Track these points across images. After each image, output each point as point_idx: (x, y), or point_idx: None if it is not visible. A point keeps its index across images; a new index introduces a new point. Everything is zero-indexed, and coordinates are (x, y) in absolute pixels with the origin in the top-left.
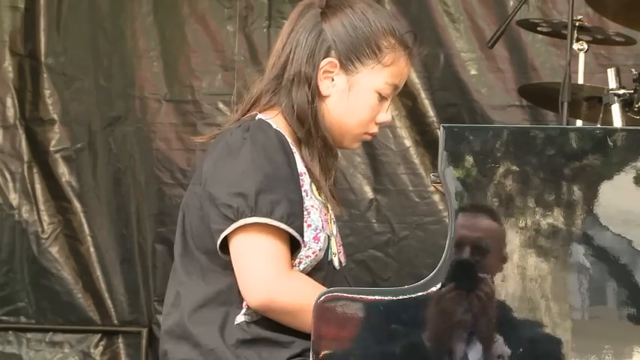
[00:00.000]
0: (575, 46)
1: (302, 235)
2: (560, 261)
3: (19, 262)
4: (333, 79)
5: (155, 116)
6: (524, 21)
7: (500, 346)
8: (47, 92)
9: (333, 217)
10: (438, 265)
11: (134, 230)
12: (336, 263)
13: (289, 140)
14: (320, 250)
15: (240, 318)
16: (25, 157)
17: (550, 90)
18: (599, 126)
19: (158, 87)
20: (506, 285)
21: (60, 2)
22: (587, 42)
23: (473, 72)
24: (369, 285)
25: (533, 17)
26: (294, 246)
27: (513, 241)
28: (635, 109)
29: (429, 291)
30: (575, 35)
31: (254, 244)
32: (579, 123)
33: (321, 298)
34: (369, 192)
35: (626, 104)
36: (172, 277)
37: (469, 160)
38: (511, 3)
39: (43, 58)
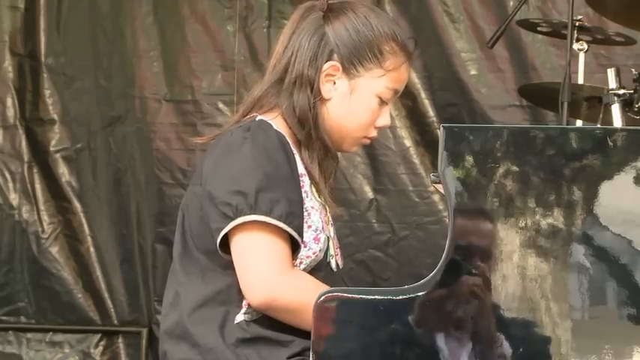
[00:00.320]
0: (575, 46)
1: (301, 235)
2: (560, 261)
3: (19, 262)
4: (334, 83)
5: (155, 116)
6: (524, 21)
7: (501, 346)
8: (47, 92)
9: (330, 219)
10: (438, 265)
11: (134, 230)
12: (333, 265)
13: (289, 142)
14: (320, 250)
15: (240, 317)
16: (25, 157)
17: (550, 90)
18: (599, 126)
19: (158, 87)
20: (506, 285)
21: (60, 2)
22: (587, 42)
23: (473, 72)
24: (369, 285)
25: (533, 17)
26: (294, 246)
27: (513, 241)
28: (635, 109)
29: (429, 291)
30: (575, 35)
31: (255, 243)
32: (579, 123)
33: (321, 298)
34: (369, 192)
35: (626, 104)
36: (171, 278)
37: (469, 160)
38: (511, 3)
39: (43, 58)
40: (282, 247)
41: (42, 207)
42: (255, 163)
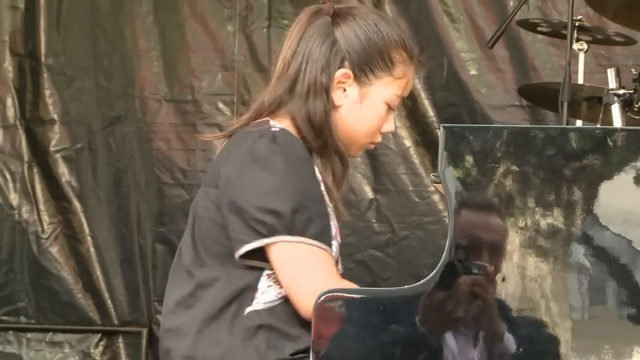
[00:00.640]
0: (575, 46)
1: (331, 247)
2: (560, 261)
3: (19, 262)
4: (345, 90)
5: (155, 116)
6: (524, 21)
7: (500, 346)
8: (47, 92)
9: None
10: (438, 265)
11: (134, 230)
12: (340, 270)
13: None
14: (333, 257)
15: (249, 309)
16: (25, 157)
17: (550, 90)
18: (599, 126)
19: (158, 87)
20: (506, 285)
21: (60, 2)
22: (587, 42)
23: (473, 72)
24: (369, 285)
25: (533, 17)
26: None
27: (513, 241)
28: (635, 109)
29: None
30: (575, 35)
31: (302, 258)
32: (579, 123)
33: (321, 298)
34: (369, 192)
35: (626, 104)
36: (176, 277)
37: (469, 160)
38: (511, 3)
39: (43, 58)
40: (325, 259)
41: (42, 207)
42: (289, 180)
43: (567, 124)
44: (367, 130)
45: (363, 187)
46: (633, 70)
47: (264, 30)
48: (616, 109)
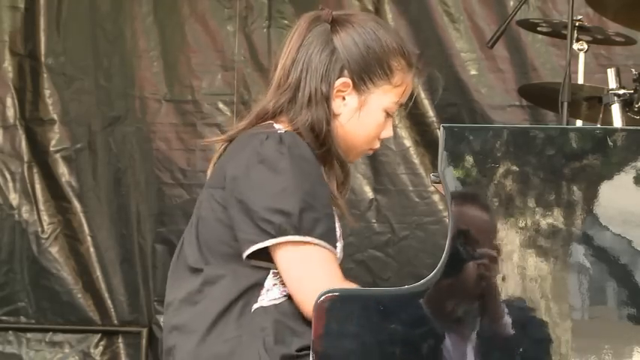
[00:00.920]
0: (575, 46)
1: (336, 248)
2: (560, 261)
3: (19, 262)
4: (344, 98)
5: (155, 116)
6: (524, 21)
7: (500, 345)
8: (47, 92)
9: None
10: (438, 265)
11: (134, 230)
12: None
13: None
14: (338, 259)
15: (256, 305)
16: (25, 157)
17: (550, 90)
18: (599, 126)
19: (158, 87)
20: (506, 285)
21: (60, 2)
22: (587, 42)
23: (473, 72)
24: (369, 285)
25: (533, 17)
26: None
27: (513, 241)
28: (635, 109)
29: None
30: (575, 35)
31: (307, 259)
32: (579, 123)
33: (321, 298)
34: (369, 192)
35: (626, 104)
36: (177, 276)
37: (469, 160)
38: (511, 3)
39: (43, 58)
40: (331, 260)
41: (42, 207)
42: (296, 180)
43: (567, 124)
44: (366, 137)
45: (363, 187)
46: (633, 70)
47: (264, 30)
48: (616, 109)
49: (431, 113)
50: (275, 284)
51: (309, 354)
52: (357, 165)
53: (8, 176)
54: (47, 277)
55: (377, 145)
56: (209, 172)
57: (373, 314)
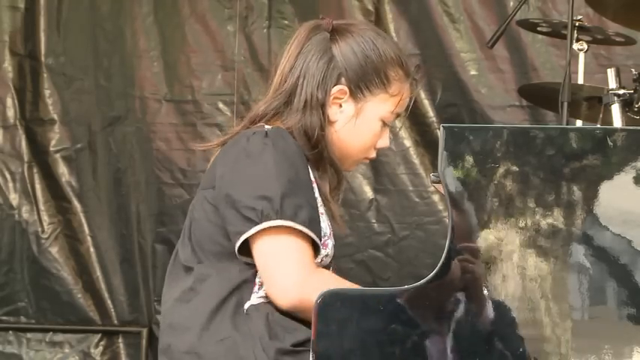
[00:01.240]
0: (575, 46)
1: (320, 239)
2: (560, 261)
3: (19, 262)
4: (340, 106)
5: (155, 116)
6: (524, 21)
7: (500, 346)
8: (47, 92)
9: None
10: (438, 266)
11: (134, 230)
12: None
13: None
14: (327, 256)
15: (248, 304)
16: (25, 157)
17: (550, 90)
18: (599, 126)
19: (158, 87)
20: (506, 285)
21: (60, 2)
22: (587, 42)
23: (473, 72)
24: (369, 285)
25: (533, 17)
26: (317, 249)
27: (513, 241)
28: (635, 109)
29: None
30: (575, 35)
31: (282, 246)
32: (579, 123)
33: (321, 298)
34: (369, 192)
35: (626, 104)
36: (173, 276)
37: (469, 160)
38: (511, 3)
39: (43, 58)
40: (307, 250)
41: (42, 207)
42: (279, 168)
43: (567, 124)
44: (362, 145)
45: (363, 187)
46: (633, 70)
47: (264, 30)
48: (616, 109)
49: (431, 113)
50: None
51: (304, 350)
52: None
53: (8, 176)
54: (47, 277)
55: (373, 154)
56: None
57: (373, 314)
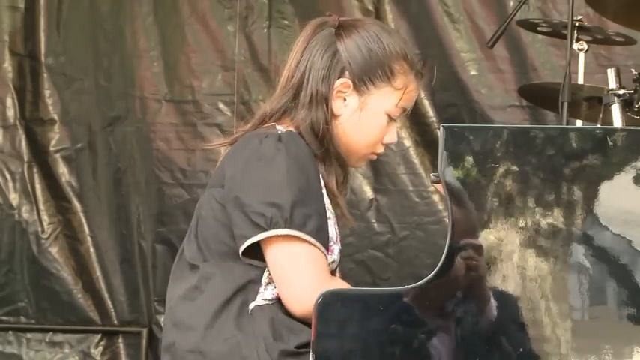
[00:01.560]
0: (575, 46)
1: (327, 248)
2: (560, 261)
3: (19, 262)
4: (345, 99)
5: (155, 116)
6: (524, 21)
7: (500, 345)
8: (47, 92)
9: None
10: (438, 266)
11: (134, 230)
12: (337, 277)
13: None
14: (333, 262)
15: (253, 304)
16: (25, 157)
17: (550, 90)
18: (599, 126)
19: (158, 87)
20: (506, 285)
21: (60, 2)
22: (587, 42)
23: (473, 72)
24: (369, 285)
25: (533, 17)
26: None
27: (513, 241)
28: (635, 109)
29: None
30: (575, 35)
31: (295, 256)
32: (579, 123)
33: (321, 298)
34: (369, 192)
35: (626, 104)
36: (178, 274)
37: (469, 160)
38: (511, 3)
39: (43, 58)
40: (319, 258)
41: (42, 207)
42: (290, 176)
43: (567, 124)
44: (368, 140)
45: (363, 187)
46: (633, 70)
47: (264, 30)
48: (616, 109)
49: (431, 113)
50: (269, 282)
51: (307, 352)
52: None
53: (8, 176)
54: (47, 277)
55: (380, 149)
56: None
57: (373, 314)
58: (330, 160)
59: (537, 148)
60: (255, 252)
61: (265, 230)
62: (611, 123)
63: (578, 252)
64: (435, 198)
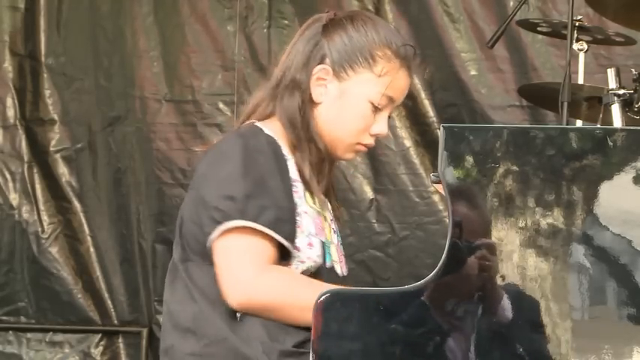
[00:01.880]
0: (575, 46)
1: (292, 241)
2: (560, 261)
3: (19, 262)
4: (326, 87)
5: (155, 116)
6: (524, 21)
7: (500, 345)
8: (47, 92)
9: (333, 226)
10: (438, 266)
11: (134, 230)
12: (338, 270)
13: (284, 146)
14: (318, 256)
15: None
16: (25, 157)
17: (550, 90)
18: (599, 126)
19: (158, 87)
20: (506, 285)
21: (60, 2)
22: (587, 42)
23: (473, 72)
24: (369, 285)
25: (533, 17)
26: (286, 254)
27: (513, 241)
28: (635, 109)
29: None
30: (575, 35)
31: (236, 246)
32: (579, 123)
33: (321, 298)
34: (369, 192)
35: (626, 104)
36: (171, 277)
37: (469, 160)
38: (511, 3)
39: (43, 58)
40: (263, 249)
41: (42, 207)
42: (245, 168)
43: (567, 124)
44: (350, 128)
45: (363, 187)
46: (633, 70)
47: (264, 30)
48: (616, 109)
49: (431, 113)
50: None
51: (305, 351)
52: (357, 165)
53: (8, 176)
54: (47, 277)
55: (367, 140)
56: None
57: (373, 314)
58: (304, 146)
59: (537, 148)
60: None
61: (220, 223)
62: (611, 123)
63: (578, 252)
64: (435, 198)
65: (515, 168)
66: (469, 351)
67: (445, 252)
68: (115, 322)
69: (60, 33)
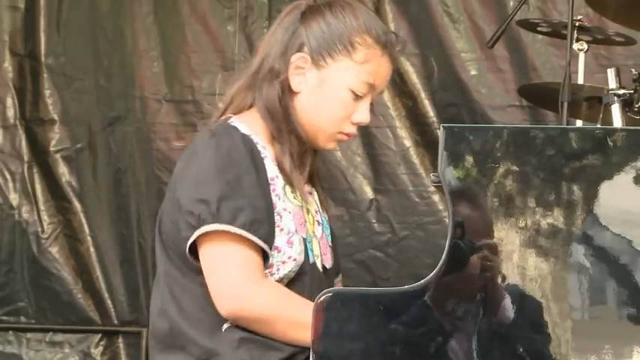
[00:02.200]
0: (575, 46)
1: (270, 243)
2: (560, 261)
3: (19, 262)
4: (305, 75)
5: (155, 116)
6: (524, 21)
7: (500, 345)
8: (47, 92)
9: (318, 218)
10: (438, 266)
11: (134, 230)
12: (319, 265)
13: (263, 141)
14: (298, 254)
15: (226, 325)
16: (25, 157)
17: (550, 90)
18: (599, 126)
19: (158, 87)
20: (506, 285)
21: (60, 2)
22: (587, 42)
23: (473, 72)
24: (369, 285)
25: (533, 17)
26: (266, 254)
27: (513, 241)
28: (635, 109)
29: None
30: (575, 35)
31: (221, 252)
32: (579, 123)
33: (322, 298)
34: (369, 192)
35: (626, 104)
36: (156, 286)
37: (469, 160)
38: (511, 3)
39: (43, 58)
40: (250, 256)
41: (42, 207)
42: (218, 170)
43: (567, 124)
44: (331, 117)
45: (363, 187)
46: (633, 70)
47: (264, 30)
48: (616, 109)
49: (431, 113)
50: None
51: None
52: (357, 165)
53: (8, 176)
54: (47, 277)
55: (349, 128)
56: None
57: (373, 314)
58: (284, 138)
59: (537, 148)
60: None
61: (197, 228)
62: (611, 123)
63: (578, 252)
64: (435, 198)
65: (515, 168)
66: (469, 351)
67: (445, 252)
68: (115, 322)
69: (60, 33)
